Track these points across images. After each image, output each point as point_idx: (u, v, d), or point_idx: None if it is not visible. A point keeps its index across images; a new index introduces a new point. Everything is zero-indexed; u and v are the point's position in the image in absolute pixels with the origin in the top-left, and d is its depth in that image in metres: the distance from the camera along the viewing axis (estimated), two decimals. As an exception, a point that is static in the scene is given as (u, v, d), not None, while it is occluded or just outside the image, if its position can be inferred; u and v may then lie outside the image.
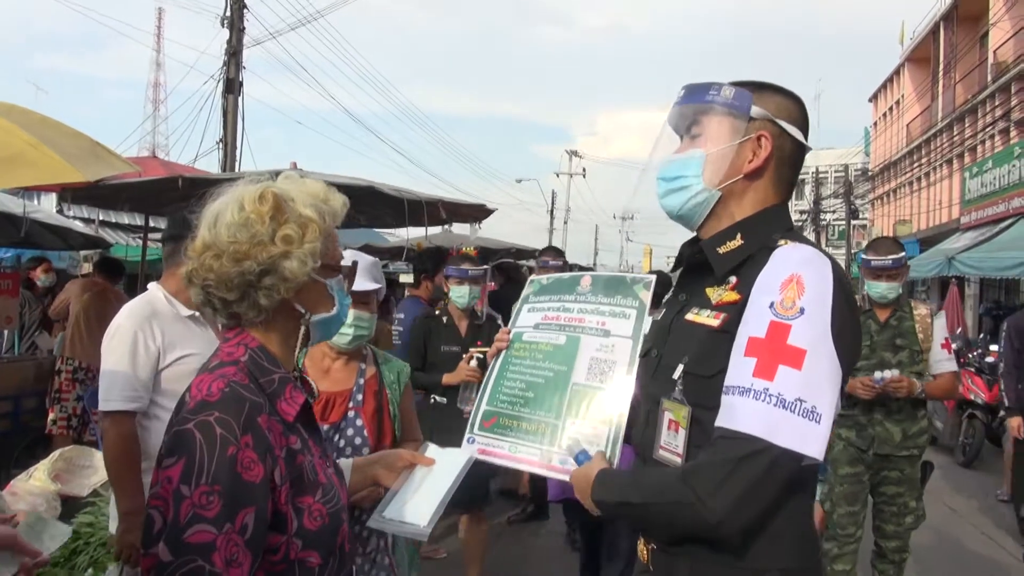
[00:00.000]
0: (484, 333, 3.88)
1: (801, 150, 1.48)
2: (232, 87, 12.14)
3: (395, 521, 1.59)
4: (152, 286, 2.54)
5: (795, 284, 1.28)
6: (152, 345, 2.36)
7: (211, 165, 14.32)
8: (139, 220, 13.47)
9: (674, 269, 1.68)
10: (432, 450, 1.74)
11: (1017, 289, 16.04)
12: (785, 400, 1.21)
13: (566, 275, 2.02)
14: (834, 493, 3.67)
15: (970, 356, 8.48)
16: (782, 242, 1.37)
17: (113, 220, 13.12)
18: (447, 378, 3.61)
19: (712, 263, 1.44)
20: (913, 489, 3.72)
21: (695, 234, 1.56)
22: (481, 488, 3.79)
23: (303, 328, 1.31)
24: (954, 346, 9.06)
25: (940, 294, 19.02)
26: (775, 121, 1.43)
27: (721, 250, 1.43)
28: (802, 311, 1.26)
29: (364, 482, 1.66)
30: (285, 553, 1.18)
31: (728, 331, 1.34)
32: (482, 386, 1.95)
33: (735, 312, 1.35)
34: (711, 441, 1.28)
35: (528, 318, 1.95)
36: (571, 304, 1.88)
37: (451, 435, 2.00)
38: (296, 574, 1.19)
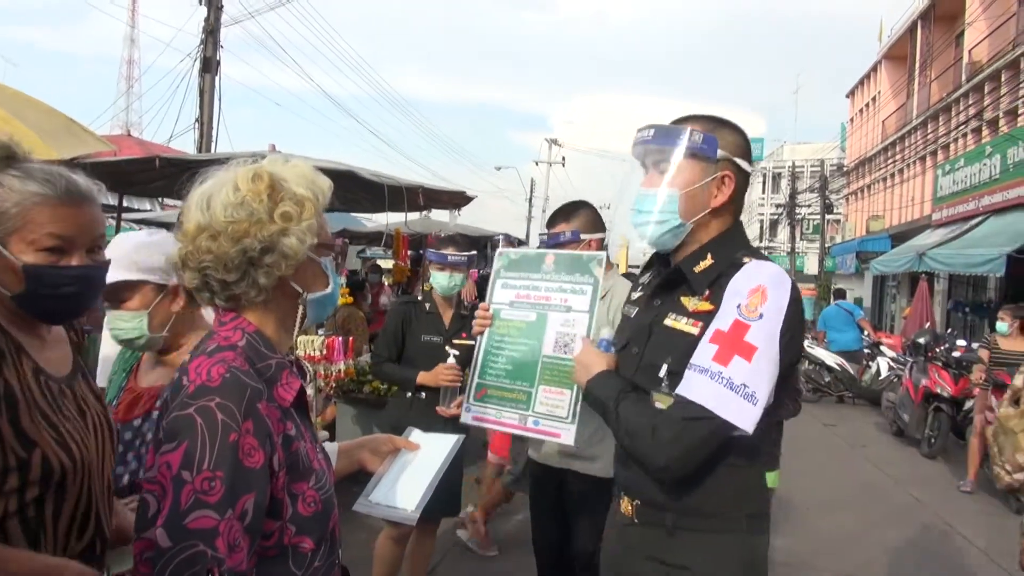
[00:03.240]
0: (469, 324, 3.76)
1: (748, 178, 1.75)
2: (209, 66, 11.97)
3: (382, 505, 1.60)
4: None
5: (760, 293, 1.56)
6: None
7: (186, 145, 14.12)
8: (111, 200, 13.31)
9: (641, 273, 1.96)
10: (416, 435, 1.75)
11: (985, 286, 16.38)
12: (733, 383, 1.50)
13: (532, 252, 2.24)
14: None
15: (937, 351, 8.65)
16: (746, 259, 1.63)
17: (85, 199, 12.91)
18: (423, 377, 3.31)
19: (691, 282, 1.68)
20: None
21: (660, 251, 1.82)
22: (454, 493, 3.54)
23: (301, 308, 1.31)
24: (921, 340, 9.30)
25: (910, 289, 19.35)
26: (733, 160, 1.69)
27: (696, 269, 1.68)
28: (761, 316, 1.54)
29: (350, 467, 1.66)
30: (279, 539, 1.19)
31: (703, 334, 1.60)
32: (472, 361, 2.17)
33: (709, 319, 1.60)
34: (673, 401, 1.57)
35: (503, 295, 2.19)
36: (539, 283, 2.12)
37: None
38: (289, 559, 1.20)
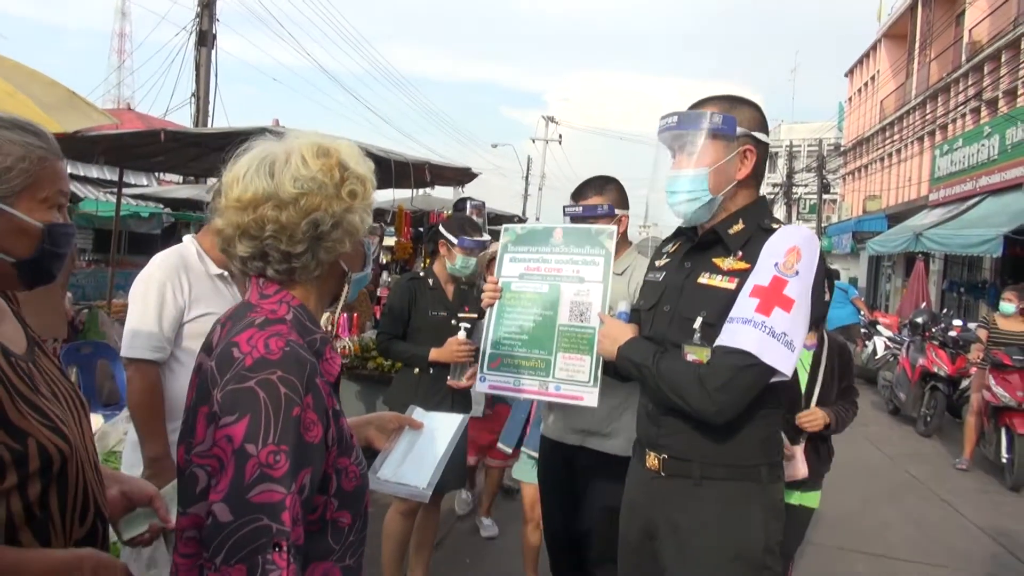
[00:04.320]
0: (472, 298, 3.76)
1: (767, 148, 1.89)
2: (205, 40, 11.84)
3: (392, 482, 1.60)
4: (187, 239, 2.54)
5: (795, 252, 1.73)
6: (180, 298, 2.37)
7: (182, 120, 14.00)
8: (109, 174, 13.19)
9: (666, 243, 2.09)
10: (419, 413, 1.77)
11: (980, 266, 16.45)
12: (775, 331, 1.66)
13: (539, 226, 2.29)
14: None
15: (934, 330, 8.72)
16: (775, 224, 1.81)
17: (81, 173, 12.81)
18: (436, 353, 3.31)
19: (727, 242, 1.84)
20: None
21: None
22: (460, 467, 3.59)
23: (346, 287, 1.33)
24: (919, 320, 9.35)
25: (906, 270, 19.43)
26: (752, 135, 1.84)
27: (731, 232, 1.85)
28: (797, 272, 1.71)
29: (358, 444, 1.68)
30: (322, 513, 1.19)
31: (739, 290, 1.75)
32: (484, 333, 2.24)
33: (745, 277, 1.76)
34: (714, 353, 1.71)
35: (512, 268, 2.24)
36: (548, 256, 2.19)
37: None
38: (328, 533, 1.20)
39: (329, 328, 1.52)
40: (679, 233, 2.05)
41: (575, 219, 2.70)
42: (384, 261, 11.14)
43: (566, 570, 2.97)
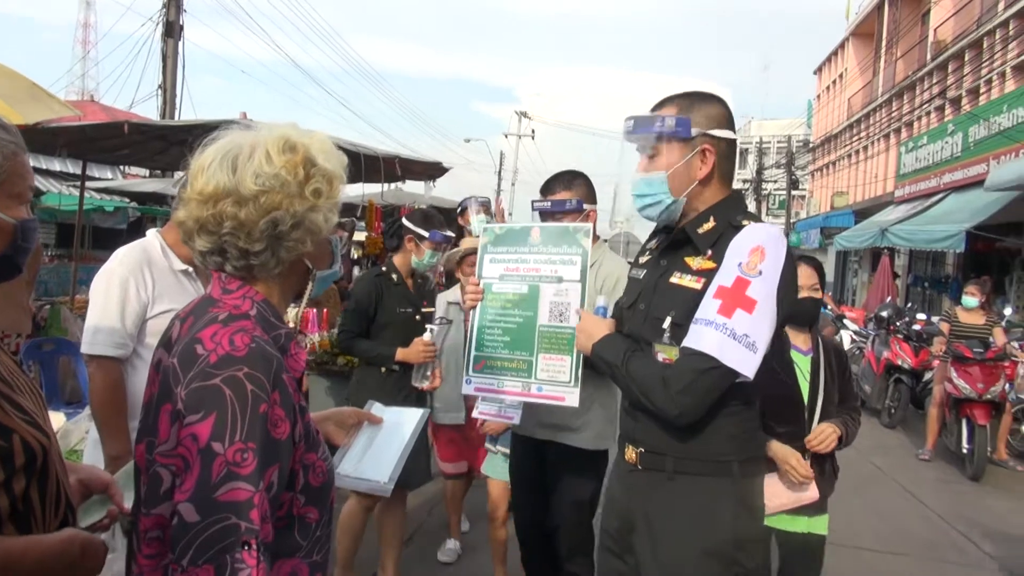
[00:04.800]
0: (428, 292, 3.73)
1: (733, 143, 1.87)
2: (172, 31, 11.64)
3: (352, 477, 1.60)
4: (151, 233, 2.48)
5: (759, 252, 1.70)
6: (143, 293, 2.32)
7: (148, 112, 13.75)
8: (72, 168, 12.92)
9: (648, 240, 2.08)
10: (378, 408, 1.76)
11: (944, 261, 16.79)
12: (736, 333, 1.64)
13: (517, 225, 2.27)
14: None
15: (898, 324, 8.88)
16: (745, 221, 1.79)
17: (44, 167, 12.54)
18: (403, 354, 3.27)
19: (696, 242, 1.83)
20: None
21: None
22: (422, 462, 3.53)
23: (311, 284, 1.30)
24: (884, 314, 9.51)
25: (872, 264, 19.77)
26: (709, 133, 1.82)
27: (700, 231, 1.83)
28: (760, 272, 1.68)
29: None
30: (289, 509, 1.17)
31: (706, 290, 1.74)
32: (468, 335, 2.24)
33: (711, 276, 1.75)
34: (680, 354, 1.72)
35: (492, 269, 2.23)
36: (527, 256, 2.18)
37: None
38: (295, 529, 1.19)
39: (293, 324, 1.51)
40: (656, 232, 2.06)
41: (544, 214, 2.70)
42: (356, 256, 11.05)
43: (538, 564, 2.98)
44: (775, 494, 2.55)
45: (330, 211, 1.24)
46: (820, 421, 2.74)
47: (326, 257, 1.33)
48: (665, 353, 1.78)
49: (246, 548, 1.02)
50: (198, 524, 1.01)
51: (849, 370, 3.02)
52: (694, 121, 1.82)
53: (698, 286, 1.77)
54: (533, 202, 2.77)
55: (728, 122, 1.87)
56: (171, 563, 1.03)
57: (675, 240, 1.91)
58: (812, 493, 2.63)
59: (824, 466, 2.79)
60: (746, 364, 1.66)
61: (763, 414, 2.42)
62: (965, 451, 6.69)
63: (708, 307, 1.70)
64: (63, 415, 4.27)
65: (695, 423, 1.75)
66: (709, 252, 1.80)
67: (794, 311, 2.47)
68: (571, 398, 2.05)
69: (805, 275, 2.64)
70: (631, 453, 1.91)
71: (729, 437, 1.80)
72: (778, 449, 2.58)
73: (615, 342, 1.89)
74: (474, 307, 2.25)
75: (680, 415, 1.71)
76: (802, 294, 2.60)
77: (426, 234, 3.45)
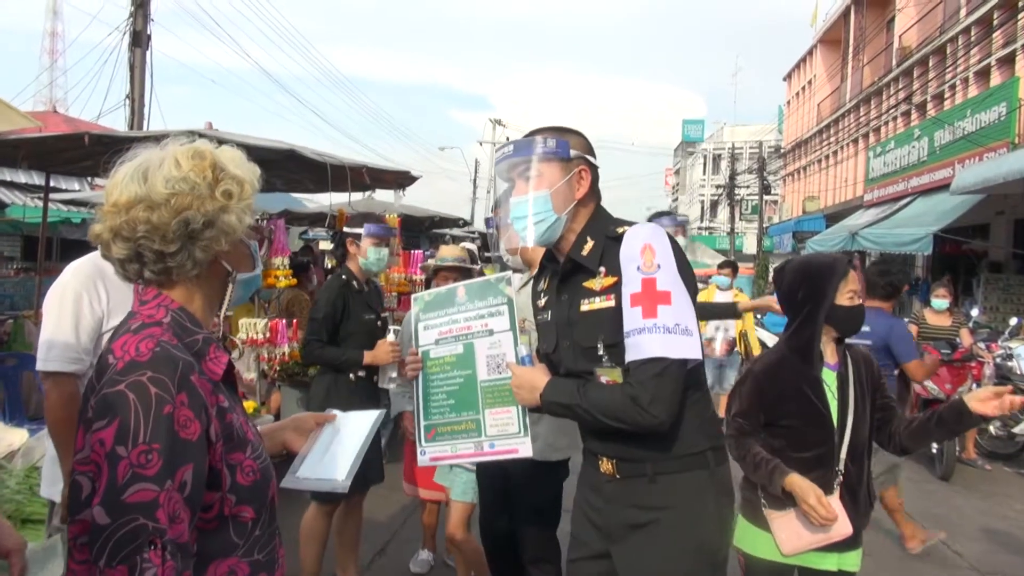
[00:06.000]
0: (381, 297, 3.78)
1: (597, 170, 1.99)
2: (139, 40, 11.47)
3: (311, 479, 1.63)
4: None
5: (649, 249, 1.79)
6: (97, 307, 2.28)
7: (117, 122, 13.58)
8: (37, 179, 12.69)
9: (536, 282, 2.15)
10: (335, 412, 1.79)
11: (913, 264, 17.06)
12: (668, 327, 1.72)
13: (443, 289, 2.29)
14: None
15: (869, 326, 8.98)
16: (620, 229, 1.86)
17: (8, 178, 12.30)
18: (370, 357, 3.39)
19: (585, 264, 1.90)
20: None
21: (549, 251, 2.04)
22: (377, 462, 3.54)
23: (230, 287, 1.35)
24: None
25: (843, 267, 19.97)
26: (584, 156, 1.94)
27: (584, 254, 1.91)
28: (659, 266, 1.77)
29: (274, 448, 1.68)
30: (219, 510, 1.21)
31: (620, 304, 1.80)
32: (414, 406, 2.23)
33: (618, 289, 1.82)
34: (630, 370, 1.76)
35: (427, 336, 2.25)
36: (456, 315, 2.18)
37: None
38: (230, 529, 1.23)
39: (217, 327, 1.54)
40: (542, 269, 2.14)
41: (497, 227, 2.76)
42: (329, 265, 10.94)
43: (504, 568, 2.99)
44: (796, 533, 2.31)
45: (243, 212, 1.29)
46: (851, 443, 2.39)
47: (244, 260, 1.37)
48: (608, 375, 1.83)
49: (152, 548, 1.06)
50: (110, 526, 1.05)
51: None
52: (571, 144, 1.93)
53: (611, 303, 1.83)
54: (486, 219, 2.82)
55: (593, 152, 1.99)
56: (91, 565, 1.07)
57: (564, 272, 1.97)
58: (843, 528, 2.28)
59: (858, 495, 2.42)
60: (690, 349, 1.74)
61: (783, 439, 2.37)
62: (934, 451, 6.77)
63: (632, 317, 1.75)
64: (26, 431, 4.19)
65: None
66: (603, 270, 1.87)
67: (843, 317, 2.40)
68: (524, 448, 2.01)
69: (852, 280, 2.49)
70: (607, 464, 1.93)
71: (698, 426, 1.87)
72: (796, 484, 2.25)
73: (559, 384, 1.90)
74: (416, 377, 2.23)
75: (661, 422, 1.75)
76: (846, 300, 2.42)
77: (360, 230, 3.49)
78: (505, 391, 2.02)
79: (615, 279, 1.82)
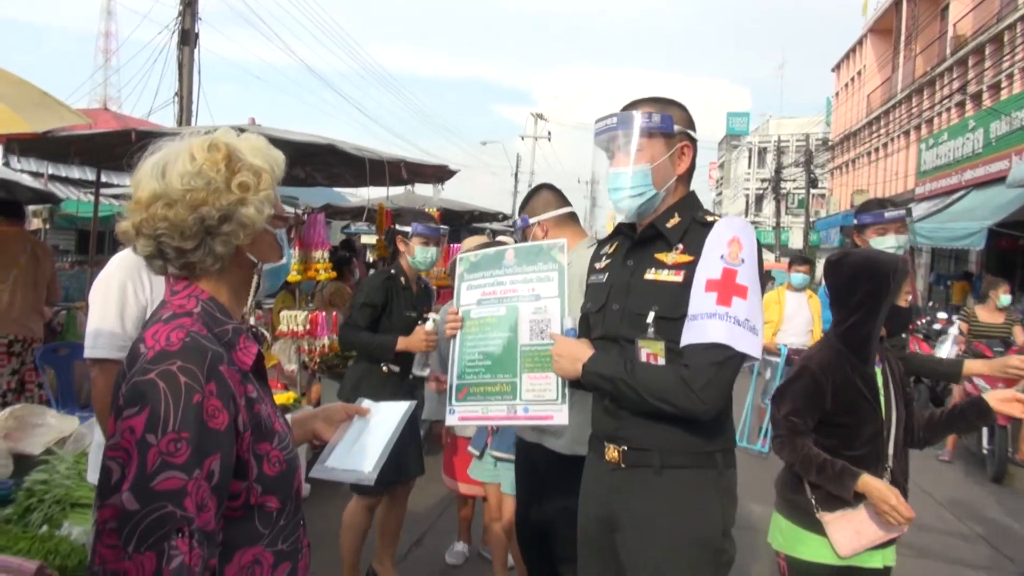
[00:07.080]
0: (431, 297, 3.78)
1: (696, 145, 1.98)
2: (187, 39, 11.73)
3: (339, 469, 1.64)
4: None
5: (737, 242, 1.80)
6: (141, 295, 2.34)
7: (166, 119, 13.91)
8: (90, 175, 13.07)
9: (602, 245, 2.14)
10: (367, 403, 1.79)
11: (966, 259, 16.54)
12: (739, 319, 1.72)
13: (491, 250, 2.25)
14: None
15: (919, 323, 8.75)
16: (710, 217, 1.87)
17: (63, 174, 12.69)
18: (404, 343, 3.35)
19: (667, 236, 1.90)
20: None
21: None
22: (413, 454, 3.46)
23: (256, 277, 1.35)
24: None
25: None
26: (687, 132, 1.93)
27: (668, 226, 1.90)
28: (743, 260, 1.78)
29: (304, 436, 1.69)
30: (246, 499, 1.21)
31: (688, 283, 1.80)
32: (448, 364, 2.20)
33: (691, 269, 1.82)
34: (686, 353, 1.75)
35: (469, 296, 2.22)
36: (503, 278, 2.15)
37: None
38: (255, 519, 1.24)
39: (252, 320, 1.56)
40: (615, 233, 2.10)
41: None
42: (371, 259, 11.09)
43: (535, 562, 2.98)
44: (856, 534, 2.26)
45: (262, 203, 1.28)
46: (895, 438, 2.38)
47: (272, 250, 1.37)
48: (649, 348, 1.82)
49: (180, 535, 1.07)
50: (138, 513, 1.07)
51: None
52: (675, 119, 1.90)
53: (678, 279, 1.82)
54: (513, 222, 2.85)
55: (694, 126, 1.96)
56: (119, 550, 1.09)
57: (641, 238, 1.95)
58: (905, 526, 2.27)
59: (904, 490, 2.40)
60: (754, 346, 1.73)
61: (836, 438, 2.29)
62: (986, 452, 6.57)
63: (705, 301, 1.74)
64: (77, 419, 4.32)
65: (680, 418, 1.78)
66: (681, 247, 1.86)
67: (897, 317, 2.39)
68: (559, 416, 1.97)
69: (909, 281, 2.46)
70: (613, 452, 1.92)
71: (710, 428, 1.83)
72: (872, 486, 2.19)
73: (607, 357, 1.88)
74: (454, 336, 2.20)
75: (708, 410, 1.74)
76: (903, 300, 2.41)
77: (408, 229, 3.52)
78: (546, 357, 1.99)
79: (691, 258, 1.82)
